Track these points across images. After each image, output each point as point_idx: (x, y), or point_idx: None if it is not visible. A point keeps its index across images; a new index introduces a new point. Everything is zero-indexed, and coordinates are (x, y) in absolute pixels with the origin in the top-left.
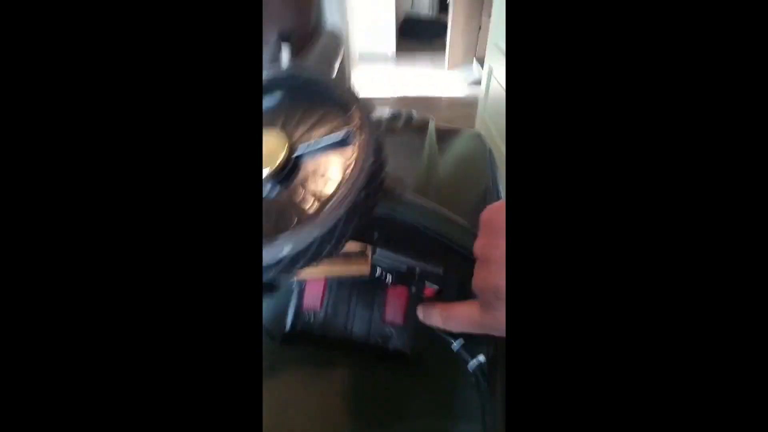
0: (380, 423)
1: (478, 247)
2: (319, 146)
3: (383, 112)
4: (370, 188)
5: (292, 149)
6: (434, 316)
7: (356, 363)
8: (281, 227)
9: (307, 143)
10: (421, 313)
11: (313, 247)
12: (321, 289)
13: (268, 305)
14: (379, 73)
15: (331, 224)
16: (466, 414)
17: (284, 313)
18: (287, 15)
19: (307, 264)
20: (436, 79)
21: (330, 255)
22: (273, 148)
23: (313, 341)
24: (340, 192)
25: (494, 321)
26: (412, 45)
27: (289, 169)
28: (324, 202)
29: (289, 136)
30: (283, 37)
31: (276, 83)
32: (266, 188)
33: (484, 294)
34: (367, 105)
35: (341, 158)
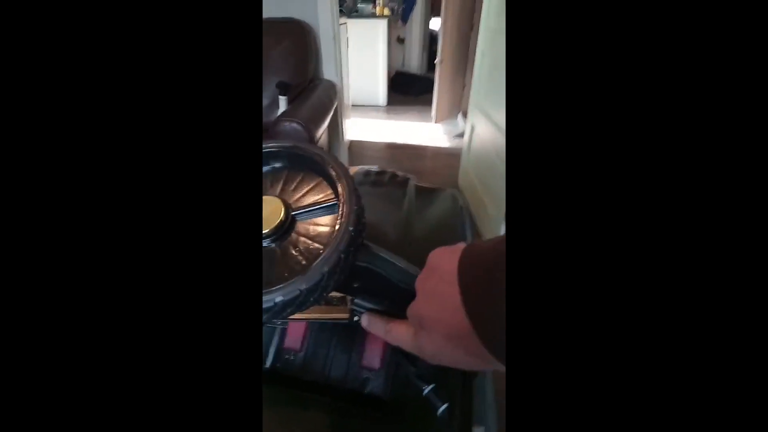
0: None
1: (417, 280)
2: (313, 211)
3: (372, 168)
4: (350, 250)
5: (288, 212)
6: (377, 327)
7: (332, 406)
8: (273, 279)
9: (302, 209)
10: (366, 321)
11: (300, 298)
12: (302, 331)
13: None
14: (371, 122)
15: (317, 279)
16: None
17: (264, 352)
18: (287, 67)
19: (295, 312)
20: (423, 131)
21: (314, 304)
22: (273, 209)
23: (291, 381)
24: (325, 252)
25: (420, 346)
26: (402, 99)
27: (285, 229)
28: (312, 259)
29: (287, 200)
30: (282, 86)
31: (282, 153)
32: (265, 242)
33: (413, 320)
34: (351, 179)
35: (328, 223)
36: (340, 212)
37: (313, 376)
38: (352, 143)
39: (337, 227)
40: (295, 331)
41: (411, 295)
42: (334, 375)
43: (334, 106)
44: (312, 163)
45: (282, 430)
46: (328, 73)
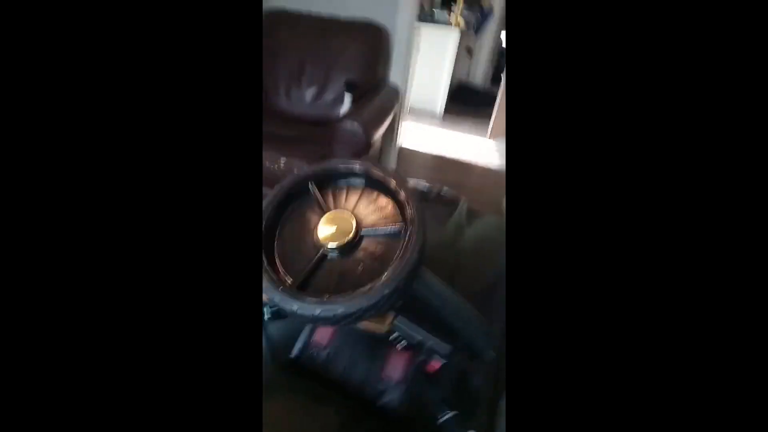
0: None
1: None
2: (379, 233)
3: (421, 185)
4: (411, 277)
5: (358, 229)
6: None
7: (347, 407)
8: (334, 290)
9: (371, 228)
10: None
11: (358, 314)
12: (332, 330)
13: (279, 329)
14: (425, 130)
15: (377, 299)
16: None
17: (294, 340)
18: (357, 67)
19: (349, 324)
20: (475, 145)
21: (367, 320)
22: (345, 224)
23: (312, 375)
24: (388, 276)
25: None
26: (459, 109)
27: (353, 245)
28: (372, 278)
29: (359, 216)
30: (350, 85)
31: (361, 172)
32: (333, 255)
33: None
34: (421, 210)
35: (393, 247)
36: (406, 240)
37: (333, 376)
38: (401, 150)
39: (401, 253)
40: (326, 328)
41: (453, 330)
42: (354, 379)
43: (394, 111)
44: (386, 186)
45: (295, 420)
46: (395, 76)
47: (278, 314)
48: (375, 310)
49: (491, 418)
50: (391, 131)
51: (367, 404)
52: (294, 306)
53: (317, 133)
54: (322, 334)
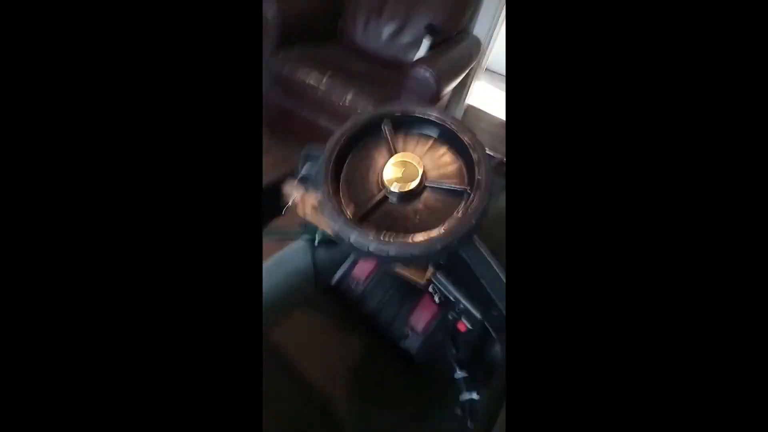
0: (369, 398)
1: None
2: (443, 188)
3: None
4: (465, 239)
5: (423, 179)
6: None
7: (371, 343)
8: (387, 233)
9: (436, 181)
10: None
11: (408, 258)
12: (373, 266)
13: (325, 256)
14: (497, 94)
15: (427, 251)
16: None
17: (336, 269)
18: (441, 11)
19: (394, 263)
20: None
21: (413, 267)
22: (411, 171)
23: (346, 304)
24: (444, 232)
25: None
26: None
27: (415, 194)
28: (428, 232)
29: (426, 170)
30: (430, 29)
31: (437, 124)
32: (393, 198)
33: None
34: (491, 176)
35: (452, 206)
36: (468, 201)
37: (364, 310)
38: (468, 109)
39: (462, 213)
40: (367, 264)
41: (487, 297)
42: (382, 317)
43: (471, 66)
44: (461, 145)
45: (322, 339)
46: (479, 29)
47: (327, 241)
48: (422, 260)
49: (499, 393)
50: (462, 87)
51: (389, 342)
52: (351, 236)
53: (387, 75)
54: (362, 270)
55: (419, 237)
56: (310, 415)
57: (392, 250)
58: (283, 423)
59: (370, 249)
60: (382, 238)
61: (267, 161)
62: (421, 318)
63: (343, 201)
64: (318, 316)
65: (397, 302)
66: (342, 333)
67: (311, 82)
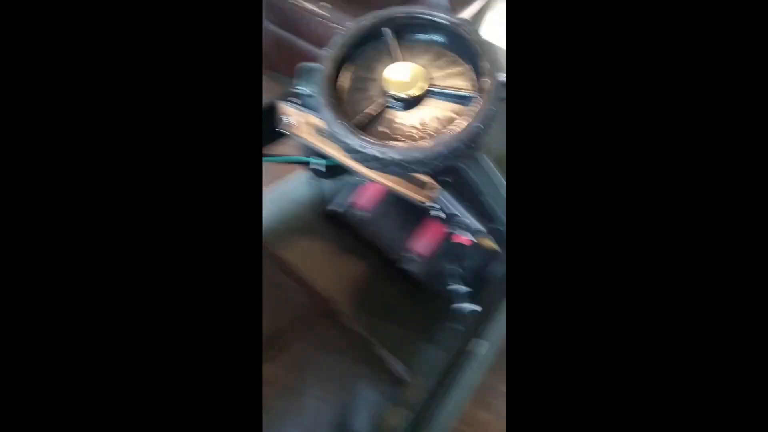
0: (373, 312)
1: None
2: (448, 94)
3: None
4: (468, 144)
5: (427, 85)
6: None
7: (375, 265)
8: (392, 138)
9: (441, 87)
10: None
11: (410, 163)
12: (376, 193)
13: (329, 185)
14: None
15: (430, 155)
16: (435, 345)
17: (337, 196)
18: None
19: (396, 170)
20: None
21: (413, 172)
22: (416, 76)
23: (349, 229)
24: (448, 137)
25: None
26: None
27: (418, 101)
28: (432, 137)
29: (431, 75)
30: None
31: (445, 27)
32: (397, 105)
33: None
34: (498, 82)
35: (458, 111)
36: (477, 106)
37: (365, 234)
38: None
39: (468, 118)
40: (370, 190)
41: (487, 211)
42: (383, 242)
43: None
44: (469, 49)
45: (324, 260)
46: None
47: (331, 171)
48: (425, 165)
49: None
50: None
51: (388, 264)
52: (351, 141)
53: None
54: (365, 197)
55: (421, 142)
56: (317, 317)
57: (393, 155)
58: (290, 311)
59: (371, 153)
60: (381, 143)
61: (264, 97)
62: (424, 242)
63: (345, 108)
64: (322, 242)
65: (398, 229)
66: (347, 256)
67: (311, 7)
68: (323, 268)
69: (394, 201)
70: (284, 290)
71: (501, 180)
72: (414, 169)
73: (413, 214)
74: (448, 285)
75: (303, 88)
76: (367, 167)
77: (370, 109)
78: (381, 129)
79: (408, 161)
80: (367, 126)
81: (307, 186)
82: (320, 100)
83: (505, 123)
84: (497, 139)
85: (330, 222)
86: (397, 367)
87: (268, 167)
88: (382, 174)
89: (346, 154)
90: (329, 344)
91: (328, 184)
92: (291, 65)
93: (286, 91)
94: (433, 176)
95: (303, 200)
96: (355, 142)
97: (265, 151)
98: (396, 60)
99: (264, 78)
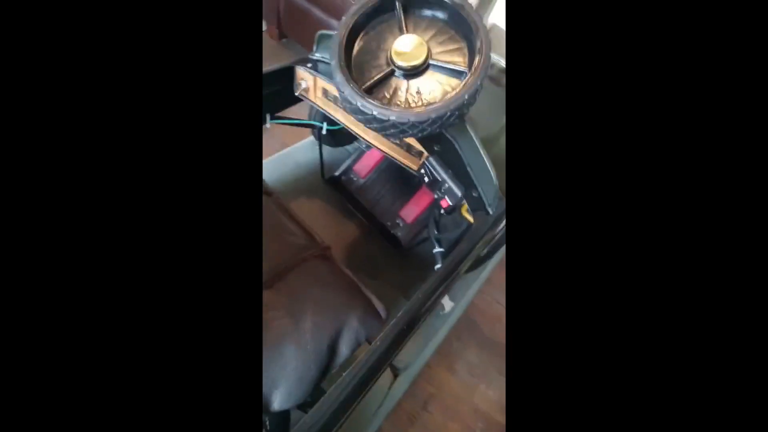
0: (357, 267)
1: None
2: (445, 68)
3: (499, 61)
4: (455, 113)
5: (427, 59)
6: None
7: (366, 227)
8: (392, 104)
9: (438, 61)
10: None
11: (405, 126)
12: (373, 164)
13: (332, 153)
14: None
15: (423, 119)
16: (407, 300)
17: (340, 164)
18: None
19: (393, 133)
20: None
21: (407, 136)
22: (418, 50)
23: (347, 195)
24: (437, 105)
25: None
26: None
27: (418, 72)
28: (426, 105)
29: (432, 50)
30: None
31: (447, 6)
32: (399, 74)
33: None
34: (489, 60)
35: (451, 83)
36: (466, 80)
37: (362, 200)
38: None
39: (456, 90)
40: (368, 161)
41: (470, 180)
42: (377, 208)
43: None
44: (467, 28)
45: (323, 220)
46: None
47: (332, 133)
48: (418, 129)
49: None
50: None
51: (381, 229)
52: (358, 102)
53: None
54: (364, 165)
55: (417, 107)
56: (314, 258)
57: (392, 117)
58: (291, 250)
59: (374, 115)
60: (384, 106)
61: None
62: (412, 211)
63: (354, 74)
64: (321, 203)
65: (391, 197)
66: (341, 218)
67: None
68: (321, 224)
69: (388, 171)
70: (288, 232)
71: (483, 153)
72: (406, 130)
73: (405, 185)
74: (426, 250)
75: (318, 55)
76: (368, 128)
77: (376, 76)
78: (384, 94)
79: (402, 123)
80: (372, 90)
81: (312, 152)
82: (333, 64)
83: (490, 106)
84: (483, 121)
85: (330, 185)
86: (380, 308)
87: (283, 129)
88: (378, 139)
89: (350, 115)
90: (324, 281)
91: (330, 151)
92: (306, 34)
93: (303, 57)
94: (423, 143)
95: (308, 164)
96: (361, 102)
97: (282, 114)
98: (404, 31)
99: (282, 45)
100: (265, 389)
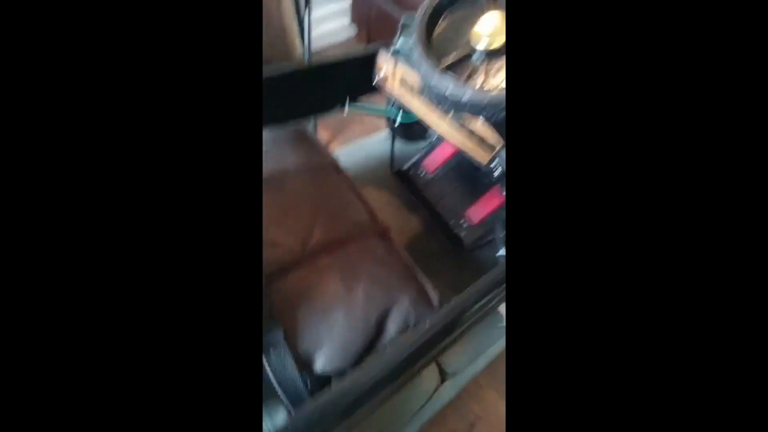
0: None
1: None
2: None
3: None
4: None
5: (503, 42)
6: None
7: (429, 223)
8: (463, 80)
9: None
10: None
11: (479, 107)
12: (442, 161)
13: (402, 147)
14: None
15: (495, 102)
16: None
17: (410, 158)
18: None
19: (460, 109)
20: None
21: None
22: (499, 28)
23: (414, 189)
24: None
25: None
26: None
27: (499, 53)
28: (494, 89)
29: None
30: None
31: None
32: (479, 55)
33: None
34: None
35: None
36: None
37: (428, 196)
38: None
39: None
40: (437, 157)
41: None
42: (442, 205)
43: None
44: None
45: (387, 211)
46: None
47: (406, 126)
48: (488, 112)
49: None
50: None
51: (443, 227)
52: (434, 79)
53: None
54: (432, 162)
55: (491, 89)
56: (373, 236)
57: (467, 95)
58: (353, 224)
59: (448, 92)
60: (460, 84)
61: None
62: (478, 212)
63: (434, 52)
64: (388, 195)
65: (458, 196)
66: (405, 210)
67: None
68: (385, 214)
69: (458, 169)
70: (353, 208)
71: None
72: (475, 111)
73: (473, 185)
74: (489, 252)
75: (401, 42)
76: (439, 109)
77: (455, 57)
78: (461, 75)
79: (473, 103)
80: (450, 70)
81: (383, 146)
82: (413, 40)
83: None
84: None
85: (398, 178)
86: (433, 296)
87: (361, 117)
88: (450, 132)
89: (425, 99)
90: (381, 259)
91: (401, 148)
92: (393, 37)
93: (383, 44)
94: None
95: (379, 157)
96: (437, 78)
97: (362, 101)
98: (486, 10)
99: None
100: (309, 348)
